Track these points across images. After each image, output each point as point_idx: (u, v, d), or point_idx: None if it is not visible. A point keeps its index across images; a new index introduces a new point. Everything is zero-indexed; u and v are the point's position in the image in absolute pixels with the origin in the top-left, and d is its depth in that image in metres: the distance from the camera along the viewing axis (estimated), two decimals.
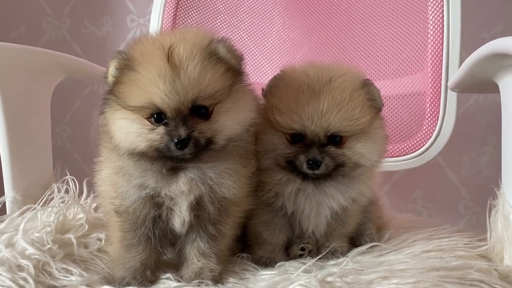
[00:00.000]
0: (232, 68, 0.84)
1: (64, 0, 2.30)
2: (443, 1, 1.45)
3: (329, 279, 0.84)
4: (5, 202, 1.19)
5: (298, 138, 0.95)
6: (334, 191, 1.00)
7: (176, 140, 0.79)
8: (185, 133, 0.79)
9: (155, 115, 0.81)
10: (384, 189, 2.03)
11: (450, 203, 2.01)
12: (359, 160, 0.96)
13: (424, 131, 1.52)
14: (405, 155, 1.55)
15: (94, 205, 1.20)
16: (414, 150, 1.54)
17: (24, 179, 1.22)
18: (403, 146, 1.54)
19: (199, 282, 0.85)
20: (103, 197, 0.95)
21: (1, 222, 1.07)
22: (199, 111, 0.82)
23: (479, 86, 1.09)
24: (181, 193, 0.86)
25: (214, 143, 0.83)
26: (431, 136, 1.51)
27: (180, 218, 0.89)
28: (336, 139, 0.94)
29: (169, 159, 0.83)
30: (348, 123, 0.91)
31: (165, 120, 0.80)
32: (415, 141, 1.54)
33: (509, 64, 0.85)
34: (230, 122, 0.84)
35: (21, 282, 0.79)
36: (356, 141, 0.95)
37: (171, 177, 0.86)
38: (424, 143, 1.53)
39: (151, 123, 0.81)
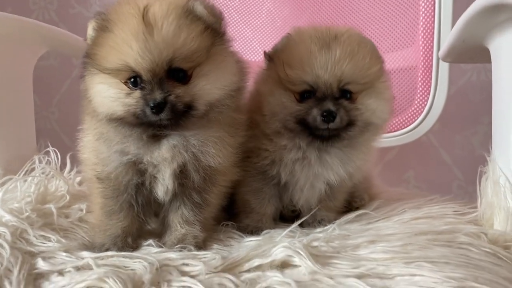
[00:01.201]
0: (211, 28, 0.80)
1: None
2: None
3: (315, 243, 0.81)
4: None
5: (307, 95, 0.93)
6: (336, 160, 0.98)
7: (151, 104, 0.76)
8: (160, 97, 0.76)
9: (132, 78, 0.78)
10: (376, 169, 2.01)
11: (443, 183, 1.99)
12: (370, 116, 0.94)
13: (415, 106, 1.51)
14: (396, 130, 1.54)
15: (78, 179, 1.17)
16: (405, 125, 1.53)
17: (5, 152, 1.20)
18: (394, 121, 1.53)
19: (181, 247, 0.82)
20: (85, 164, 0.92)
21: None
22: (177, 75, 0.78)
23: (470, 52, 1.07)
24: (163, 160, 0.83)
25: (194, 109, 0.80)
26: (422, 111, 1.50)
27: (163, 186, 0.87)
28: (347, 95, 0.92)
29: (150, 125, 0.80)
30: (360, 72, 0.90)
31: (142, 85, 0.77)
32: (407, 117, 1.52)
33: (502, 20, 0.82)
34: (210, 86, 0.80)
35: None
36: (367, 97, 0.94)
37: (154, 144, 0.83)
38: (416, 118, 1.51)
39: (128, 87, 0.79)
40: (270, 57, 1.01)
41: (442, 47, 1.40)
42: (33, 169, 1.10)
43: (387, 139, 1.52)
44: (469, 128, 1.95)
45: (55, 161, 1.12)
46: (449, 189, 1.98)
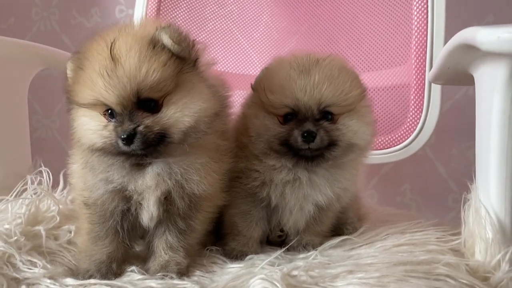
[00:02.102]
0: (177, 56, 0.81)
1: None
2: None
3: (294, 272, 0.83)
4: None
5: (290, 118, 0.95)
6: (323, 181, 0.99)
7: (121, 136, 0.78)
8: (129, 129, 0.77)
9: (108, 111, 0.81)
10: (373, 182, 2.02)
11: (438, 196, 1.99)
12: (352, 137, 0.96)
13: (408, 124, 1.51)
14: (390, 147, 1.54)
15: (70, 197, 1.20)
16: (398, 142, 1.53)
17: (0, 170, 1.22)
18: (388, 138, 1.53)
19: (163, 275, 0.84)
20: (74, 189, 0.96)
21: None
22: (148, 105, 0.80)
23: (458, 78, 1.07)
24: (147, 188, 0.85)
25: (168, 136, 0.80)
26: (415, 129, 1.50)
27: (148, 213, 0.89)
28: (328, 116, 0.95)
29: (131, 155, 0.82)
30: (339, 95, 0.93)
31: (116, 117, 0.80)
32: (400, 134, 1.52)
33: (481, 54, 0.82)
34: (179, 114, 0.80)
35: None
36: (348, 118, 0.96)
37: (138, 172, 0.85)
38: (409, 135, 1.51)
39: (106, 119, 0.81)
40: (253, 87, 1.04)
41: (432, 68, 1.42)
42: (25, 189, 1.12)
43: (380, 156, 1.52)
44: (465, 142, 1.95)
45: (47, 181, 1.15)
46: (444, 202, 1.98)
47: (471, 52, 0.82)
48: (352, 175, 1.03)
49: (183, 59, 0.82)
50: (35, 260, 0.87)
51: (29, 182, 1.13)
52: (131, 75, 0.76)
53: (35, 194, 1.10)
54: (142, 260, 0.94)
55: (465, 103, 1.93)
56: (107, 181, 0.85)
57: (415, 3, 1.45)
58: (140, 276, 0.84)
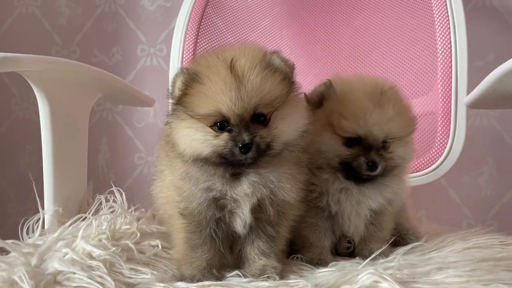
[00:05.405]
0: (287, 77, 0.92)
1: (74, 31, 2.36)
2: (449, 29, 1.60)
3: (389, 271, 0.88)
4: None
5: (354, 142, 1.04)
6: (373, 190, 1.09)
7: (240, 145, 0.86)
8: (248, 138, 0.86)
9: (218, 123, 0.88)
10: None
11: (453, 221, 2.10)
12: (401, 162, 1.08)
13: (435, 150, 1.62)
14: (417, 172, 1.64)
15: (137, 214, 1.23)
16: (425, 167, 1.64)
17: (64, 192, 1.24)
18: (415, 163, 1.63)
19: (266, 277, 0.89)
20: (166, 202, 1.00)
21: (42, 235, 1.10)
22: (258, 118, 0.89)
23: (497, 101, 1.20)
24: (245, 195, 0.92)
25: (271, 148, 0.90)
26: (441, 154, 1.61)
27: (242, 220, 0.95)
28: (384, 144, 1.05)
29: (230, 164, 0.89)
30: (404, 129, 1.05)
31: (228, 127, 0.87)
32: (426, 159, 1.63)
33: None
34: (287, 128, 0.91)
35: (99, 279, 0.81)
36: (398, 145, 1.07)
37: (235, 181, 0.92)
38: (435, 160, 1.62)
39: (215, 130, 0.88)
40: (316, 102, 1.10)
41: (459, 94, 1.56)
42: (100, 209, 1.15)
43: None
44: (475, 169, 2.09)
45: (120, 199, 1.18)
46: (459, 227, 2.09)
47: None
48: (397, 181, 1.13)
49: (290, 80, 0.93)
50: (139, 268, 0.90)
51: (103, 201, 1.16)
52: (257, 89, 0.86)
53: (112, 212, 1.13)
54: (232, 268, 0.97)
55: (473, 133, 2.07)
56: (208, 189, 0.92)
57: (439, 38, 1.61)
58: (246, 279, 0.88)
